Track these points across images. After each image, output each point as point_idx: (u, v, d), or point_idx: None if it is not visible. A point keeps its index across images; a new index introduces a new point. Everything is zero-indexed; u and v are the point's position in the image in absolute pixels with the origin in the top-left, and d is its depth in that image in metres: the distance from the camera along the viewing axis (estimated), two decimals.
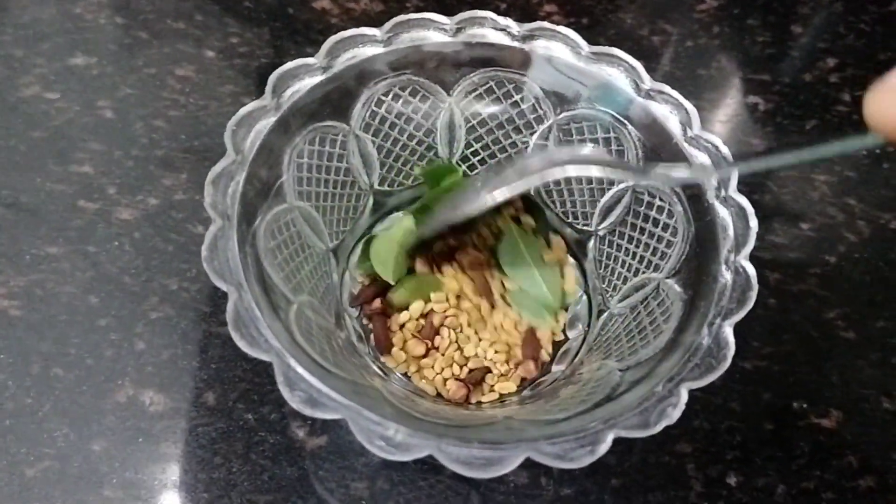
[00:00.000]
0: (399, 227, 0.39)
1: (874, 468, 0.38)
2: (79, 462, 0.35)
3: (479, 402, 0.37)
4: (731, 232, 0.31)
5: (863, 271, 0.44)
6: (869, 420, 0.39)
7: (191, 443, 0.36)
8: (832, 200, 0.47)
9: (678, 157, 0.33)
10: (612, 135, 0.36)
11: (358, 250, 0.40)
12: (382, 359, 0.37)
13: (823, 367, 0.41)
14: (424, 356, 0.38)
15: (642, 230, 0.36)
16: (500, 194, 0.31)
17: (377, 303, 0.38)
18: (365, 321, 0.38)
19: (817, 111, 0.51)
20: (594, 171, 0.31)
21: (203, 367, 0.38)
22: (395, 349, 0.37)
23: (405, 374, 0.37)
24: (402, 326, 0.38)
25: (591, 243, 0.40)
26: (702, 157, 0.33)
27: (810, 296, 0.43)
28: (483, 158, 0.40)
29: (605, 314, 0.38)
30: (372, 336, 0.38)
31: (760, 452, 0.38)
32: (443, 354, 0.38)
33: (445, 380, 0.37)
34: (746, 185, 0.47)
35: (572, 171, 0.31)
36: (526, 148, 0.39)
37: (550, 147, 0.38)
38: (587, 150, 0.36)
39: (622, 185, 0.37)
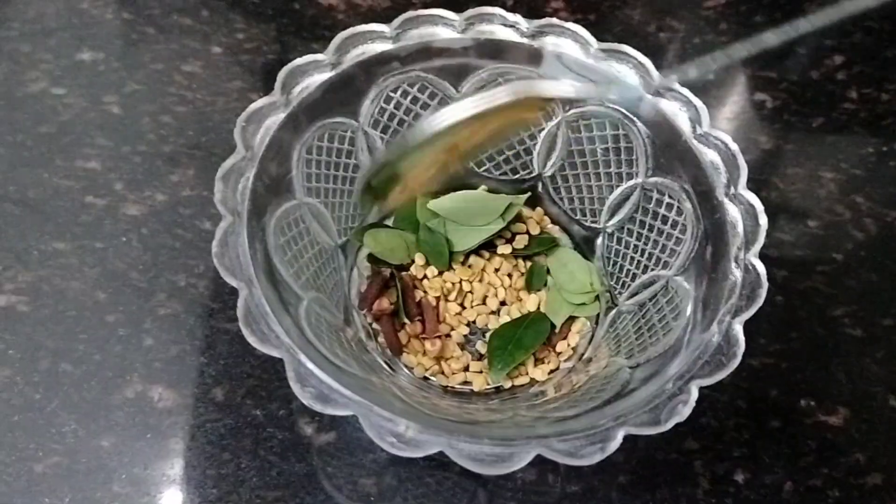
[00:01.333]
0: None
1: (881, 465, 0.38)
2: (87, 458, 0.35)
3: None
4: (740, 229, 0.31)
5: (870, 269, 0.44)
6: (876, 417, 0.39)
7: (199, 438, 0.36)
8: (839, 198, 0.47)
9: (688, 154, 0.33)
10: (620, 132, 0.36)
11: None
12: (399, 360, 0.37)
13: (830, 364, 0.41)
14: (441, 356, 0.38)
15: (651, 227, 0.36)
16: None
17: (384, 303, 0.38)
18: (371, 321, 0.38)
19: (824, 108, 0.51)
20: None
21: (211, 363, 0.38)
22: (406, 354, 0.38)
23: (424, 377, 0.37)
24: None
25: (599, 240, 0.40)
26: (711, 155, 0.33)
27: (817, 293, 0.43)
28: (491, 155, 0.40)
29: (614, 311, 0.38)
30: (381, 337, 0.38)
31: (768, 450, 0.38)
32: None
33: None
34: (753, 183, 0.47)
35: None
36: (535, 145, 0.39)
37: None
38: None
39: (631, 183, 0.37)
